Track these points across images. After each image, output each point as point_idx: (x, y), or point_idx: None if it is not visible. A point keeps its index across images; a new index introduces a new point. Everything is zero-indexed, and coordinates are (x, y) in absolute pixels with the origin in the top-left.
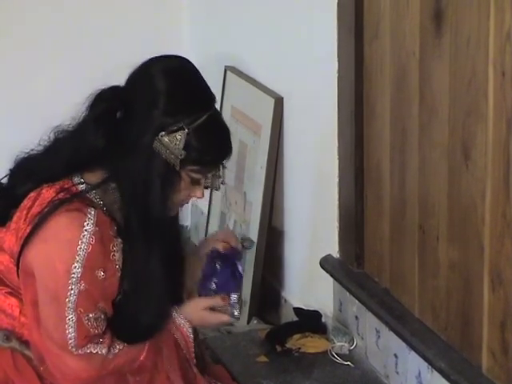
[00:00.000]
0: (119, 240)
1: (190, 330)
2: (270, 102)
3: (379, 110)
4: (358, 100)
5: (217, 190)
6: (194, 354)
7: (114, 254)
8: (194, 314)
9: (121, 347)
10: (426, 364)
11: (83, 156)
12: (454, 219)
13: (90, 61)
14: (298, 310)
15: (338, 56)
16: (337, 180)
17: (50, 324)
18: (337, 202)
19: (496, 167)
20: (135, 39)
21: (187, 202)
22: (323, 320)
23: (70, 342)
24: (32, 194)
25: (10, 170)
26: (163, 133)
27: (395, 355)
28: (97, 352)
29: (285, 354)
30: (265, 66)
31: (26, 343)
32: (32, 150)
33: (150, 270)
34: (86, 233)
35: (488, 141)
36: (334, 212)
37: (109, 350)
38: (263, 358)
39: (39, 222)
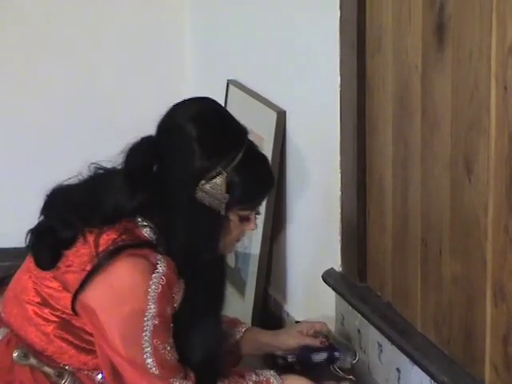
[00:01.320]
0: (182, 281)
1: None
2: (273, 116)
3: (381, 124)
4: (360, 114)
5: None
6: None
7: (175, 295)
8: None
9: None
10: (428, 378)
11: (127, 207)
12: (457, 233)
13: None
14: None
15: (341, 70)
16: (339, 194)
17: (130, 357)
18: (339, 216)
19: (498, 181)
20: (137, 52)
21: (243, 236)
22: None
23: (152, 370)
24: (90, 237)
25: (48, 203)
26: (203, 181)
27: (398, 369)
28: None
29: (287, 368)
30: (267, 80)
31: (45, 360)
32: (69, 185)
33: (205, 311)
34: (157, 274)
35: (490, 155)
36: (337, 226)
37: None
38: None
39: (103, 263)
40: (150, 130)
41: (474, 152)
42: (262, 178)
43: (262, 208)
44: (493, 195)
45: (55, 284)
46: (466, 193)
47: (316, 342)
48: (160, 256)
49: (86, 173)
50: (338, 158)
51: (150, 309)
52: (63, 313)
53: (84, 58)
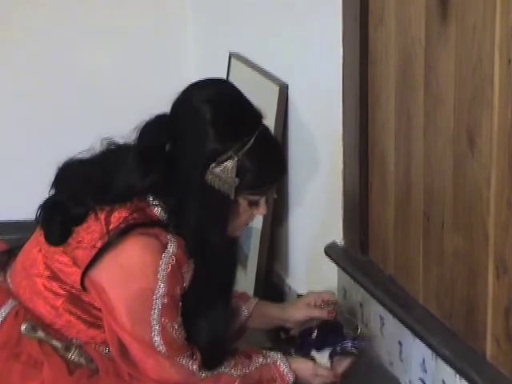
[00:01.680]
0: (191, 261)
1: (291, 381)
2: (275, 89)
3: (384, 97)
4: (362, 87)
5: (268, 202)
6: None
7: (184, 275)
8: (302, 372)
9: (208, 374)
10: (430, 351)
11: (139, 186)
12: (459, 207)
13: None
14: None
15: (343, 43)
16: (341, 167)
17: (138, 334)
18: (342, 190)
19: (501, 154)
20: (139, 27)
21: (252, 220)
22: None
23: (159, 348)
24: (101, 215)
25: (60, 177)
26: (214, 164)
27: (399, 343)
28: (187, 366)
29: (289, 342)
30: (269, 53)
31: (53, 333)
32: (81, 160)
33: (213, 292)
34: (167, 254)
35: (493, 128)
36: (339, 199)
37: (199, 369)
38: (268, 345)
39: (113, 240)
40: (152, 103)
41: (477, 125)
42: (273, 165)
43: (272, 197)
44: (496, 169)
45: (65, 259)
46: (468, 166)
47: (324, 314)
48: (170, 235)
49: (98, 148)
50: (341, 131)
51: (160, 288)
52: (72, 287)
53: (86, 35)
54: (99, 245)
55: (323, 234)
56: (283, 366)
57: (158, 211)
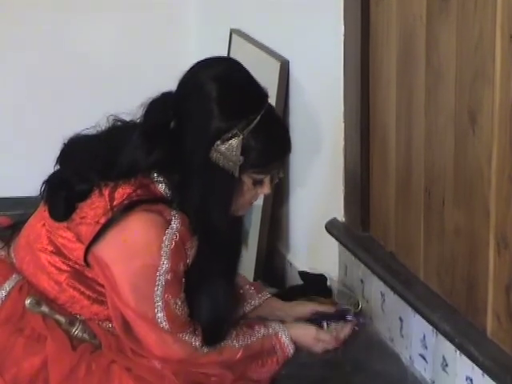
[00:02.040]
0: (195, 238)
1: (292, 353)
2: (276, 66)
3: (385, 74)
4: (364, 64)
5: (276, 182)
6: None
7: (188, 251)
8: (303, 338)
9: (210, 349)
10: (430, 327)
11: (143, 163)
12: (460, 183)
13: None
14: (303, 274)
15: (344, 19)
16: (342, 144)
17: (141, 311)
18: (342, 166)
19: (502, 131)
20: (139, 2)
21: (256, 200)
22: (328, 283)
23: (162, 325)
24: (106, 191)
25: (65, 153)
26: (218, 142)
27: (400, 319)
28: (190, 342)
29: None
30: (270, 29)
31: (57, 308)
32: (86, 136)
33: (216, 270)
34: (171, 230)
35: (495, 105)
36: (340, 176)
37: (202, 344)
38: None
39: (117, 216)
40: (153, 79)
41: (479, 102)
42: (277, 144)
43: (278, 177)
44: (497, 145)
45: (69, 234)
46: (469, 143)
47: (331, 310)
48: (174, 212)
49: (104, 124)
50: (342, 107)
51: (163, 264)
52: (75, 263)
53: (86, 11)
54: (103, 221)
55: (324, 211)
56: (284, 338)
57: (161, 188)
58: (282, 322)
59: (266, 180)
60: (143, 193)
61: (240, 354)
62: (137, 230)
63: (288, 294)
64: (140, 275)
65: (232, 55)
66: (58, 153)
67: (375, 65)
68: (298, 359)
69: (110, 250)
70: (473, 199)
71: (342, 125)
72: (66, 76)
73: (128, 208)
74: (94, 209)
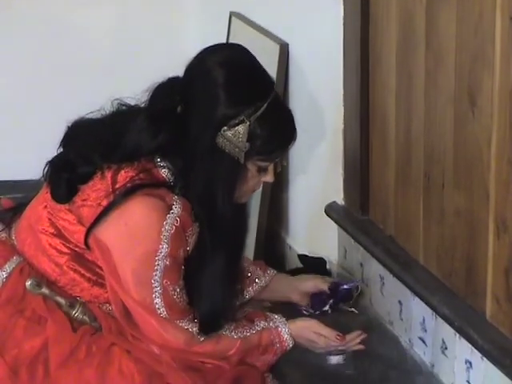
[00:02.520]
0: (196, 224)
1: (290, 347)
2: (275, 49)
3: (385, 56)
4: (363, 46)
5: (278, 171)
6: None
7: (188, 237)
8: (304, 332)
9: (208, 336)
10: (430, 311)
11: (147, 146)
12: (460, 166)
13: None
14: (302, 257)
15: (344, 1)
16: (342, 126)
17: (139, 297)
18: (342, 149)
19: (502, 114)
20: None
21: (259, 187)
22: (328, 267)
23: (160, 311)
24: (108, 173)
25: (69, 135)
26: (225, 127)
27: (399, 302)
28: (187, 328)
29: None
30: (270, 12)
31: (57, 290)
32: (91, 119)
33: (217, 257)
34: (172, 215)
35: (494, 87)
36: (340, 159)
37: (199, 331)
38: (267, 304)
39: (119, 199)
40: (153, 61)
41: (478, 85)
42: (283, 132)
43: (281, 166)
44: (496, 128)
45: (70, 217)
46: (469, 126)
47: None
48: (176, 197)
49: (108, 108)
50: (341, 90)
51: (163, 249)
52: (76, 246)
53: None
54: (104, 203)
55: (324, 194)
56: (284, 332)
57: (164, 173)
58: (288, 300)
59: (270, 168)
60: (146, 177)
61: (237, 345)
62: (138, 213)
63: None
64: (139, 260)
65: (231, 38)
66: (61, 135)
67: (375, 48)
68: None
69: (110, 232)
70: (472, 182)
71: (342, 108)
72: (66, 61)
73: (130, 191)
74: (95, 191)
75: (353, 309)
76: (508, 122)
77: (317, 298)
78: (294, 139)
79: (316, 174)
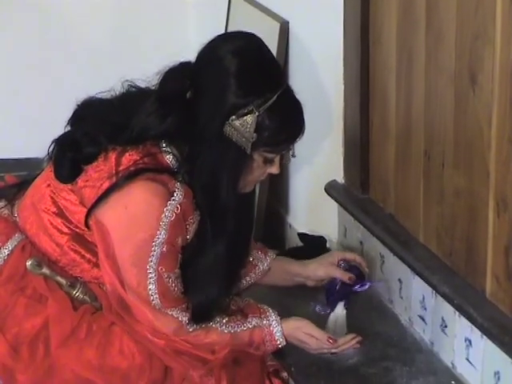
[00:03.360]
0: (197, 213)
1: (281, 346)
2: (276, 27)
3: (385, 35)
4: (364, 24)
5: (287, 163)
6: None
7: (188, 226)
8: (296, 333)
9: (197, 327)
10: (430, 289)
11: (155, 130)
12: (460, 145)
13: None
14: (302, 236)
15: None
16: (342, 105)
17: (134, 283)
18: (342, 128)
19: (503, 92)
20: None
21: (263, 178)
22: (328, 245)
23: (152, 298)
24: (112, 155)
25: (77, 115)
26: (234, 117)
27: (399, 280)
28: (177, 317)
29: None
30: None
31: (58, 270)
32: (100, 99)
33: (215, 249)
34: (173, 202)
35: (495, 66)
36: (340, 138)
37: (189, 321)
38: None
39: (121, 182)
40: (153, 42)
41: (479, 63)
42: (292, 125)
43: (290, 158)
44: (497, 106)
45: (72, 197)
46: (469, 104)
47: (345, 277)
48: (179, 184)
49: (118, 89)
50: (342, 69)
51: (160, 235)
52: (76, 227)
53: None
54: (106, 184)
55: (324, 173)
56: (276, 330)
57: (169, 159)
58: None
59: (276, 160)
60: (150, 161)
61: (226, 340)
62: (139, 197)
63: (287, 255)
64: (137, 246)
65: (231, 16)
66: (69, 114)
67: (375, 26)
68: None
69: (111, 215)
70: (473, 161)
71: (342, 87)
72: (67, 41)
73: (133, 175)
74: (98, 172)
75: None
76: (508, 101)
77: (330, 296)
78: (302, 132)
79: (316, 152)
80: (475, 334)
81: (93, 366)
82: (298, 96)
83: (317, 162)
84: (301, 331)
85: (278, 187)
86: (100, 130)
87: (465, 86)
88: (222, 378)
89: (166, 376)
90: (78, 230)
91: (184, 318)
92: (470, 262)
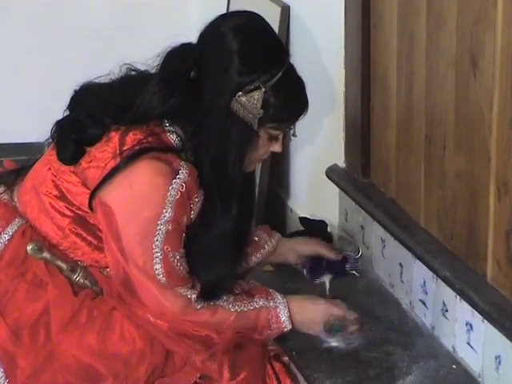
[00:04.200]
0: (201, 191)
1: (288, 329)
2: (277, 11)
3: (386, 18)
4: (365, 8)
5: (289, 141)
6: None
7: (193, 205)
8: (303, 319)
9: (205, 304)
10: (430, 273)
11: (159, 109)
12: (461, 129)
13: None
14: (303, 220)
15: None
16: (343, 89)
17: (139, 262)
18: (343, 112)
19: (504, 76)
20: None
21: (266, 157)
22: (329, 229)
23: (159, 277)
24: (116, 135)
25: (76, 99)
26: (240, 93)
27: (400, 264)
28: (186, 295)
29: (290, 265)
30: None
31: (59, 254)
32: (99, 83)
33: (222, 227)
34: (178, 180)
35: (496, 49)
36: (340, 122)
37: (197, 299)
38: (269, 268)
39: (125, 162)
40: (153, 29)
41: (480, 47)
42: (297, 101)
43: (291, 135)
44: (498, 90)
45: (74, 179)
46: (471, 88)
47: (332, 255)
48: (183, 162)
49: (116, 73)
50: (342, 53)
51: (166, 213)
52: (79, 209)
53: None
54: (111, 164)
55: (325, 157)
56: (282, 313)
57: (172, 138)
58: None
59: (280, 137)
60: (154, 141)
61: (232, 318)
62: (144, 176)
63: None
64: (142, 224)
65: (232, 1)
66: (68, 99)
67: (376, 9)
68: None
69: (115, 195)
70: (474, 144)
71: (343, 71)
72: (67, 26)
73: (137, 154)
74: (102, 152)
75: (354, 271)
76: (510, 85)
77: (315, 268)
78: (307, 109)
79: (317, 136)
80: (476, 318)
81: (94, 351)
82: None
83: (318, 147)
84: (308, 306)
85: (279, 172)
86: (103, 111)
87: (466, 70)
88: (223, 362)
89: (167, 361)
90: (80, 213)
91: (192, 295)
92: (470, 246)
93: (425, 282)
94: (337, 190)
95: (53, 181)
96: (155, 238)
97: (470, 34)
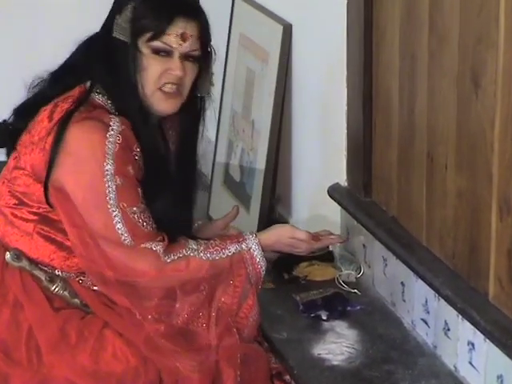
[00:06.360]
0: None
1: (263, 270)
2: (279, 29)
3: (389, 37)
4: (367, 26)
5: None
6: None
7: (136, 156)
8: (278, 244)
9: (175, 258)
10: (432, 292)
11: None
12: (463, 147)
13: None
14: None
15: None
16: (345, 108)
17: (101, 227)
18: (345, 130)
19: (506, 95)
20: None
21: (168, 82)
22: (330, 248)
23: (123, 237)
24: (46, 107)
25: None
26: (117, 16)
27: (402, 283)
28: (151, 248)
29: (292, 282)
30: None
31: (36, 263)
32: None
33: (159, 160)
34: (112, 132)
35: (498, 68)
36: (342, 140)
37: (165, 251)
38: (270, 285)
39: (60, 133)
40: None
41: (482, 65)
42: (163, 4)
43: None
44: (500, 109)
45: (25, 179)
46: (472, 106)
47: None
48: (113, 116)
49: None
50: (345, 71)
51: (108, 166)
52: (39, 208)
53: None
54: (49, 141)
55: (326, 175)
56: (257, 253)
57: (99, 98)
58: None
59: (175, 57)
60: (80, 105)
61: (206, 267)
62: (79, 139)
63: (290, 258)
64: (90, 185)
65: (235, 19)
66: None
67: (379, 27)
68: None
69: (61, 170)
70: (475, 163)
71: (345, 89)
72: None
73: (66, 120)
74: (39, 133)
75: (355, 290)
76: (511, 103)
77: (309, 304)
78: (176, 12)
79: (319, 155)
80: (478, 338)
81: (87, 372)
82: (300, 98)
83: (319, 165)
84: (283, 240)
85: (280, 190)
86: (31, 99)
87: (468, 89)
88: (229, 376)
89: (161, 378)
90: (41, 211)
91: (159, 247)
92: (472, 264)
93: (427, 301)
94: (339, 208)
95: (9, 191)
96: (108, 197)
97: (472, 53)
